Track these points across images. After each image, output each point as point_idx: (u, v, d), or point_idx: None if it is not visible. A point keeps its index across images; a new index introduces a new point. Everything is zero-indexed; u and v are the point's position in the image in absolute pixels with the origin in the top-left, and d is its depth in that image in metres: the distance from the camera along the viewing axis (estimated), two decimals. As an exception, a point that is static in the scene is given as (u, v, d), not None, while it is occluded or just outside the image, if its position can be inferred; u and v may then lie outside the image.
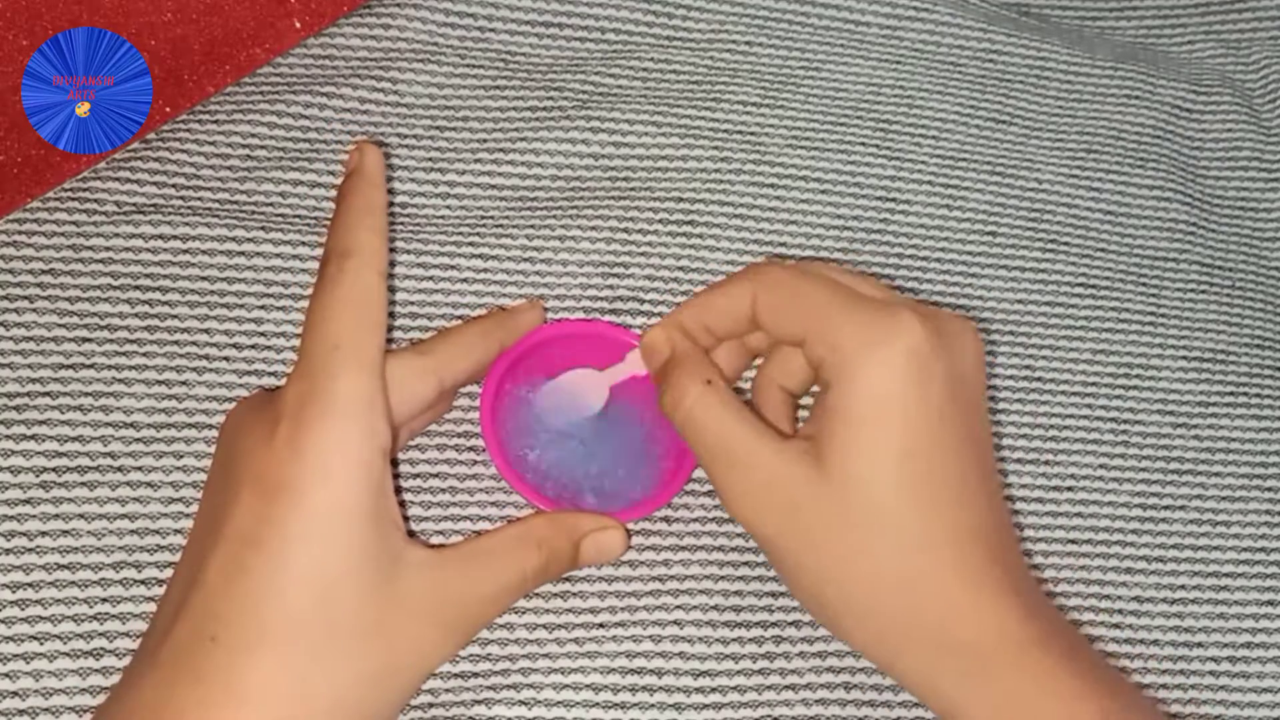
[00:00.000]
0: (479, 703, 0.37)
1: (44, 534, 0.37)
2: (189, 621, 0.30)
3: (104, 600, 0.36)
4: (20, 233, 0.41)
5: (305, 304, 0.41)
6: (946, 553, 0.33)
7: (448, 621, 0.33)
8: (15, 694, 0.34)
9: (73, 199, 0.42)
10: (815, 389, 0.38)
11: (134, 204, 0.42)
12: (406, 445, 0.40)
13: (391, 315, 0.42)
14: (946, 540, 0.33)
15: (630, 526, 0.40)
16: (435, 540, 0.39)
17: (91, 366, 0.39)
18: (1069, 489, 0.44)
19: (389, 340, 0.41)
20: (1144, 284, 0.49)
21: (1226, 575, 0.44)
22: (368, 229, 0.34)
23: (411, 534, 0.34)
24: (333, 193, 0.44)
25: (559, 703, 0.37)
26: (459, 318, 0.42)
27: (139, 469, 0.38)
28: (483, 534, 0.35)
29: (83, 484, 0.37)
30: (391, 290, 0.42)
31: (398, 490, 0.39)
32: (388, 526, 0.32)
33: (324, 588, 0.30)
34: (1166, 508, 0.45)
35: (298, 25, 0.49)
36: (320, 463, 0.30)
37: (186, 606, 0.31)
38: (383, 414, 0.32)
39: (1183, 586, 0.43)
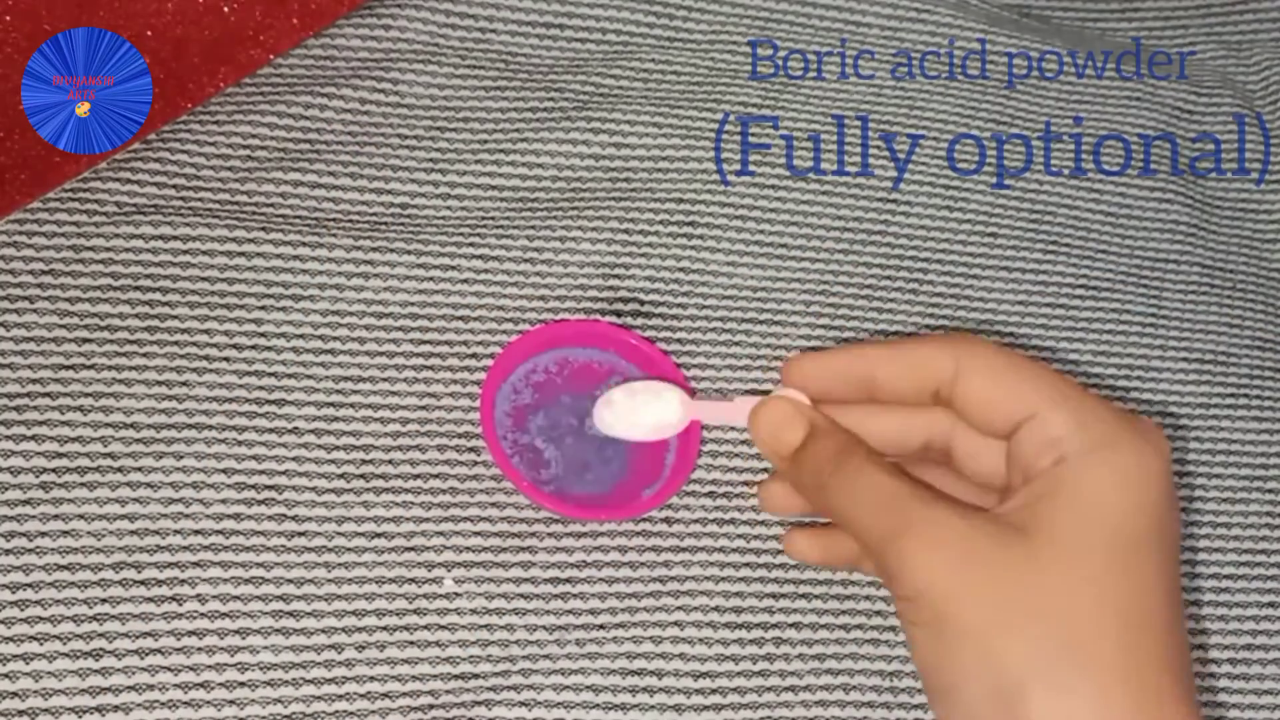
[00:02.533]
0: (479, 703, 0.37)
1: (44, 534, 0.36)
2: None
3: (103, 601, 0.36)
4: (20, 233, 0.41)
5: (306, 305, 0.41)
6: (1162, 665, 0.30)
7: None
8: (15, 694, 0.34)
9: (73, 199, 0.41)
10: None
11: (134, 204, 0.42)
12: (407, 446, 0.40)
13: (391, 315, 0.42)
14: (1162, 655, 0.31)
15: (630, 527, 0.40)
16: (435, 540, 0.39)
17: (91, 367, 0.39)
18: (1069, 490, 0.44)
19: (378, 348, 0.41)
20: (1144, 286, 0.49)
21: (1227, 577, 0.44)
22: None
23: (413, 549, 0.34)
24: (333, 193, 0.44)
25: (559, 704, 0.37)
26: (459, 318, 0.42)
27: (139, 469, 0.38)
28: None
29: (83, 484, 0.37)
30: (376, 293, 0.42)
31: (389, 506, 0.39)
32: None
33: None
34: (1167, 509, 0.45)
35: (297, 25, 0.49)
36: None
37: None
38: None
39: (1183, 588, 0.43)
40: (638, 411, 0.36)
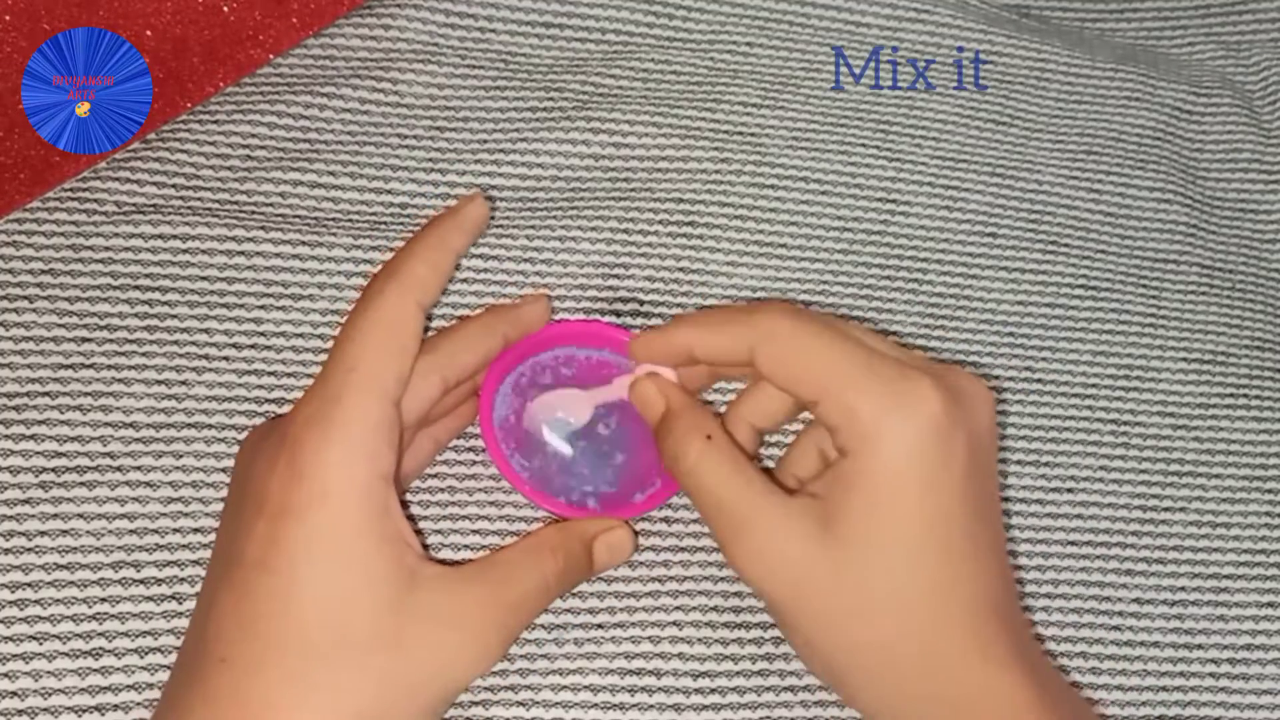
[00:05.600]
0: (477, 704, 0.37)
1: (43, 534, 0.36)
2: (201, 645, 0.31)
3: (103, 600, 0.36)
4: (20, 233, 0.41)
5: (305, 304, 0.41)
6: (960, 625, 0.33)
7: (470, 627, 0.32)
8: (14, 694, 0.34)
9: (73, 199, 0.42)
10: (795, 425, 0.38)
11: (134, 204, 0.42)
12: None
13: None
14: (961, 612, 0.33)
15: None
16: (434, 540, 0.39)
17: (91, 366, 0.39)
18: (1069, 490, 0.44)
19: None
20: (1144, 286, 0.49)
21: (1226, 577, 0.44)
22: (426, 261, 0.34)
23: (427, 548, 0.34)
24: (333, 193, 0.44)
25: (557, 704, 0.37)
26: (459, 318, 0.42)
27: (138, 469, 0.38)
28: (496, 550, 0.35)
29: (82, 484, 0.37)
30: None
31: (405, 506, 0.39)
32: (397, 545, 0.32)
33: (333, 605, 0.30)
34: (1166, 509, 0.45)
35: (297, 25, 0.49)
36: (319, 486, 0.31)
37: (200, 632, 0.31)
38: (388, 440, 0.32)
39: (1183, 588, 0.43)
40: (553, 410, 0.39)
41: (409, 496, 0.39)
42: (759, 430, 0.38)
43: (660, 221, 0.45)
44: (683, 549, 0.40)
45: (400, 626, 0.31)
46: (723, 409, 0.39)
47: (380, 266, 0.34)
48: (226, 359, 0.40)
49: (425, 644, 0.31)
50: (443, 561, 0.35)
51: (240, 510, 0.32)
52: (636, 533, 0.40)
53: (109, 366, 0.39)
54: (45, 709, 0.34)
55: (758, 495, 0.34)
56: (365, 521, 0.31)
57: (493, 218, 0.44)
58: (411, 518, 0.39)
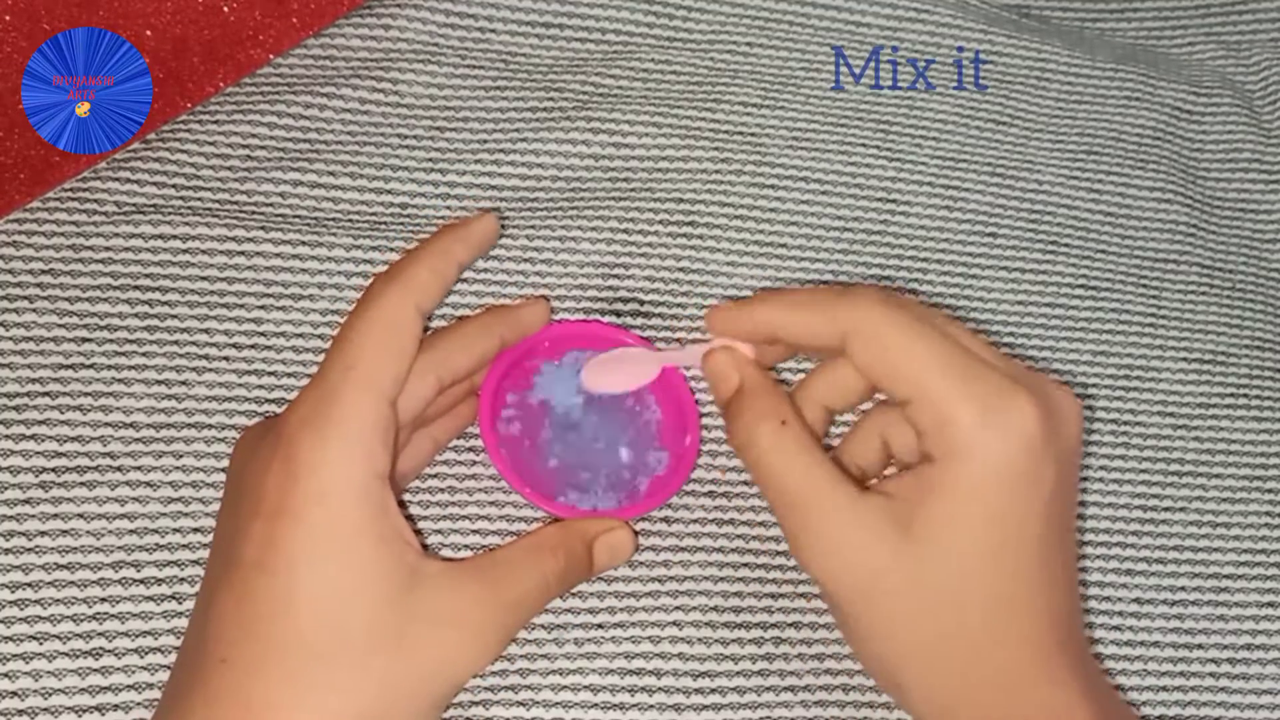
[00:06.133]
0: (476, 704, 0.37)
1: (43, 534, 0.36)
2: (201, 646, 0.31)
3: (103, 600, 0.36)
4: (20, 233, 0.41)
5: (305, 304, 0.41)
6: (1023, 640, 0.33)
7: (470, 624, 0.32)
8: (14, 694, 0.34)
9: (73, 199, 0.42)
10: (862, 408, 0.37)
11: (134, 204, 0.42)
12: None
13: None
14: (1027, 628, 0.33)
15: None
16: (434, 540, 0.39)
17: (91, 366, 0.39)
18: (1069, 490, 0.44)
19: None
20: (1144, 285, 0.49)
21: (1226, 577, 0.44)
22: (429, 268, 0.34)
23: (425, 547, 0.34)
24: (333, 193, 0.44)
25: (557, 704, 0.37)
26: (458, 318, 0.42)
27: (138, 469, 0.38)
28: (496, 548, 0.35)
29: (82, 484, 0.37)
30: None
31: (404, 506, 0.39)
32: (396, 544, 0.31)
33: (332, 605, 0.30)
34: (1167, 509, 0.45)
35: (297, 25, 0.49)
36: (315, 486, 0.31)
37: (200, 632, 0.31)
38: (384, 440, 0.32)
39: (1183, 588, 0.43)
40: (613, 368, 0.39)
41: (408, 496, 0.39)
42: (831, 411, 0.37)
43: (660, 221, 0.45)
44: (683, 549, 0.40)
45: (400, 624, 0.31)
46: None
47: (383, 269, 0.34)
48: (226, 359, 0.40)
49: (425, 642, 0.31)
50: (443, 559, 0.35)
51: (237, 510, 0.32)
52: (637, 533, 0.40)
53: (109, 366, 0.39)
54: (45, 709, 0.34)
55: (832, 489, 0.33)
56: (363, 520, 0.31)
57: (484, 210, 0.44)
58: (411, 518, 0.39)
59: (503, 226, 0.44)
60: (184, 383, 0.39)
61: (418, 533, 0.38)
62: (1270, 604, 0.44)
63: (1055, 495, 0.33)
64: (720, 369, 0.36)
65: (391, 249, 0.43)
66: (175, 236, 0.41)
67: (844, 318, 0.33)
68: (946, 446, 0.32)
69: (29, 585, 0.36)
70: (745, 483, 0.42)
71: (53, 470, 0.37)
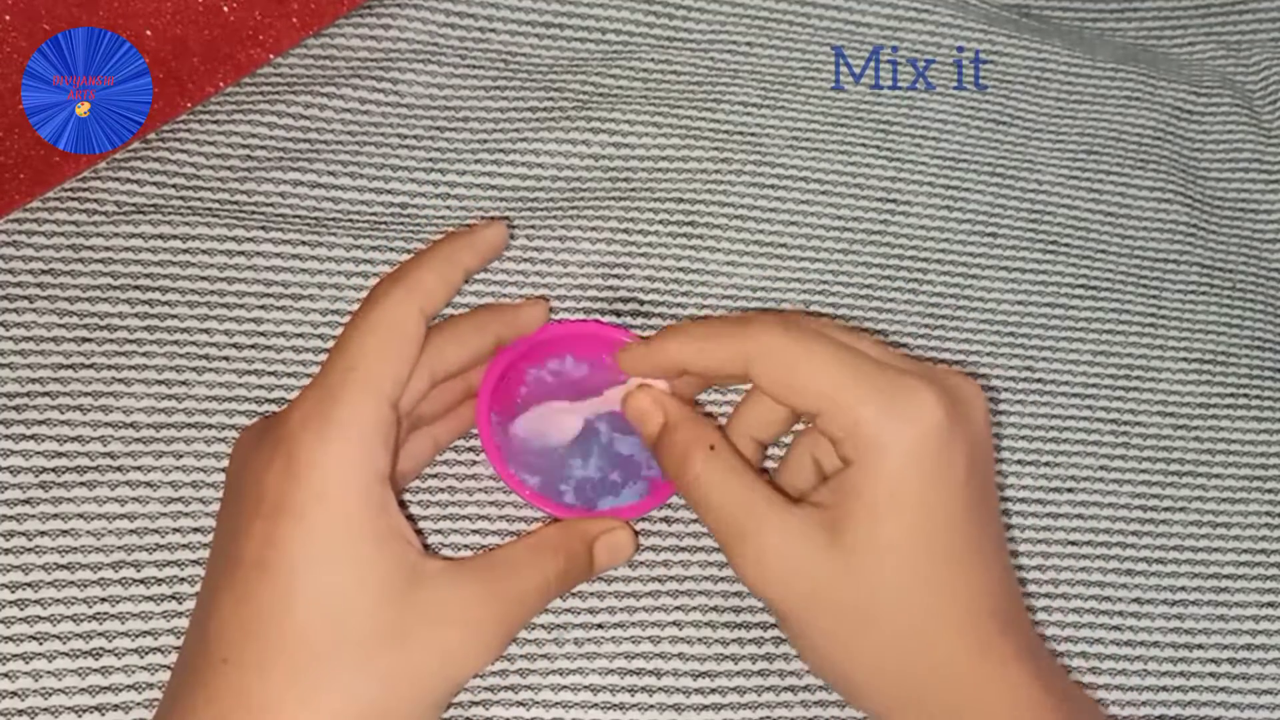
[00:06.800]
0: (476, 704, 0.37)
1: (43, 534, 0.37)
2: (203, 646, 0.31)
3: (103, 600, 0.36)
4: (20, 233, 0.41)
5: (305, 304, 0.41)
6: (962, 625, 0.33)
7: (471, 622, 0.32)
8: (14, 694, 0.34)
9: (73, 199, 0.42)
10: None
11: (134, 204, 0.42)
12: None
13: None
14: (964, 613, 0.33)
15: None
16: (434, 540, 0.39)
17: (91, 366, 0.39)
18: (1069, 490, 0.44)
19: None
20: (1144, 285, 0.49)
21: (1226, 577, 0.44)
22: (434, 272, 0.34)
23: (426, 547, 0.34)
24: (333, 193, 0.44)
25: (557, 704, 0.37)
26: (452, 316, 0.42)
27: (138, 469, 0.38)
28: (497, 548, 0.35)
29: (82, 484, 0.37)
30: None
31: (404, 506, 0.39)
32: (397, 543, 0.32)
33: (333, 604, 0.30)
34: (1166, 509, 0.45)
35: (297, 25, 0.49)
36: (316, 485, 0.31)
37: (201, 633, 0.31)
38: (385, 441, 0.32)
39: (1183, 588, 0.43)
40: (545, 422, 0.39)
41: (408, 496, 0.39)
42: (761, 444, 0.38)
43: (660, 221, 0.45)
44: (683, 549, 0.40)
45: (401, 623, 0.31)
46: (722, 420, 0.39)
47: (384, 270, 0.34)
48: (226, 359, 0.40)
49: (426, 641, 0.31)
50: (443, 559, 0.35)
51: (238, 509, 0.32)
52: (637, 533, 0.40)
53: (109, 366, 0.39)
54: (45, 709, 0.34)
55: (763, 505, 0.34)
56: (364, 520, 0.31)
57: (492, 218, 0.44)
58: (411, 518, 0.39)
59: (503, 226, 0.44)
60: (184, 383, 0.39)
61: (419, 533, 0.38)
62: (1270, 604, 0.44)
63: (970, 480, 0.33)
64: (642, 408, 0.37)
65: (391, 249, 0.43)
66: (175, 236, 0.41)
67: (745, 345, 0.34)
68: (858, 447, 0.33)
69: (29, 585, 0.36)
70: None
71: (53, 470, 0.37)
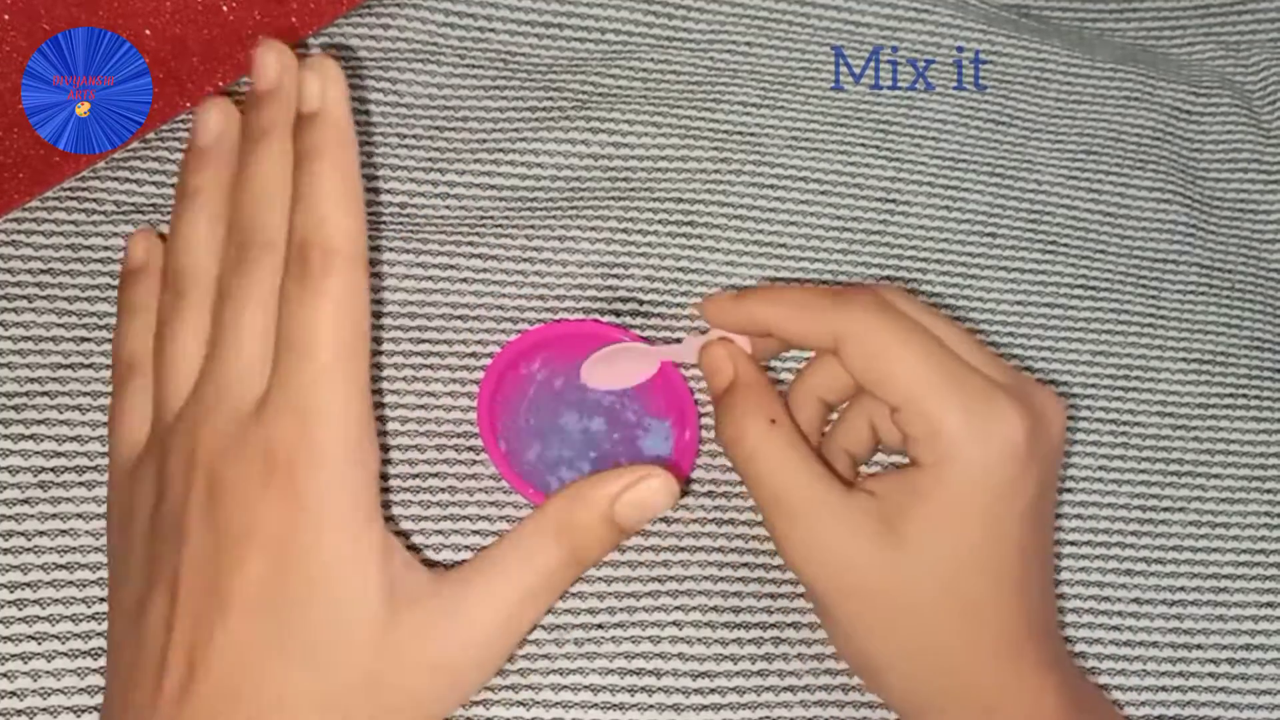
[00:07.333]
0: (477, 704, 0.37)
1: (42, 534, 0.36)
2: (190, 706, 0.28)
3: (102, 600, 0.36)
4: (20, 232, 0.41)
5: (304, 304, 0.41)
6: (999, 634, 0.33)
7: (441, 664, 0.29)
8: (13, 694, 0.34)
9: (72, 199, 0.42)
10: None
11: (134, 204, 0.42)
12: (406, 446, 0.40)
13: (389, 314, 0.42)
14: (1003, 624, 0.33)
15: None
16: (435, 540, 0.39)
17: (91, 366, 0.39)
18: (1068, 490, 0.44)
19: (377, 347, 0.41)
20: (1143, 286, 0.49)
21: (1226, 577, 0.44)
22: (348, 213, 0.28)
23: (414, 549, 0.34)
24: (332, 193, 0.44)
25: (557, 703, 0.37)
26: (458, 317, 0.42)
27: (138, 469, 0.38)
28: (491, 545, 0.31)
29: (81, 484, 0.37)
30: (376, 291, 0.41)
31: (404, 506, 0.39)
32: (394, 566, 0.29)
33: (338, 635, 0.28)
34: (1166, 509, 0.45)
35: (297, 25, 0.49)
36: (314, 513, 0.28)
37: (190, 686, 0.28)
38: (373, 436, 0.29)
39: (1182, 588, 0.43)
40: (612, 364, 0.39)
41: (409, 496, 0.39)
42: (827, 404, 0.37)
43: (660, 221, 0.45)
44: (683, 549, 0.40)
45: (376, 668, 0.28)
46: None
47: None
48: (226, 359, 0.40)
49: (393, 688, 0.29)
50: (437, 564, 0.35)
51: (222, 538, 0.28)
52: (636, 532, 0.39)
53: (109, 366, 0.39)
54: (44, 709, 0.34)
55: (818, 488, 0.33)
56: (368, 548, 0.28)
57: (492, 217, 0.44)
58: (411, 518, 0.39)
59: (502, 226, 0.44)
60: (183, 382, 0.39)
61: (419, 533, 0.38)
62: (1269, 604, 0.44)
63: (1037, 501, 0.33)
64: (716, 362, 0.37)
65: (390, 248, 0.43)
66: (175, 236, 0.41)
67: (838, 323, 0.34)
68: (933, 454, 0.32)
69: (27, 585, 0.36)
70: (745, 483, 0.42)
71: (52, 470, 0.37)
